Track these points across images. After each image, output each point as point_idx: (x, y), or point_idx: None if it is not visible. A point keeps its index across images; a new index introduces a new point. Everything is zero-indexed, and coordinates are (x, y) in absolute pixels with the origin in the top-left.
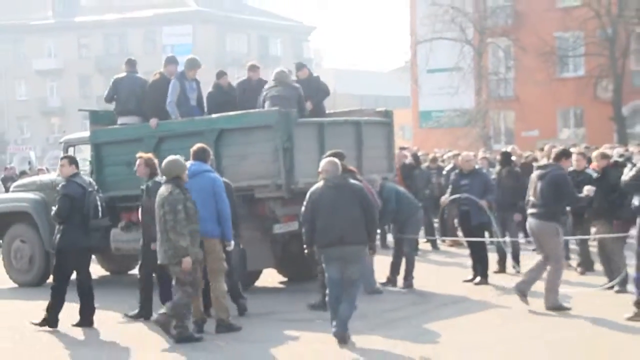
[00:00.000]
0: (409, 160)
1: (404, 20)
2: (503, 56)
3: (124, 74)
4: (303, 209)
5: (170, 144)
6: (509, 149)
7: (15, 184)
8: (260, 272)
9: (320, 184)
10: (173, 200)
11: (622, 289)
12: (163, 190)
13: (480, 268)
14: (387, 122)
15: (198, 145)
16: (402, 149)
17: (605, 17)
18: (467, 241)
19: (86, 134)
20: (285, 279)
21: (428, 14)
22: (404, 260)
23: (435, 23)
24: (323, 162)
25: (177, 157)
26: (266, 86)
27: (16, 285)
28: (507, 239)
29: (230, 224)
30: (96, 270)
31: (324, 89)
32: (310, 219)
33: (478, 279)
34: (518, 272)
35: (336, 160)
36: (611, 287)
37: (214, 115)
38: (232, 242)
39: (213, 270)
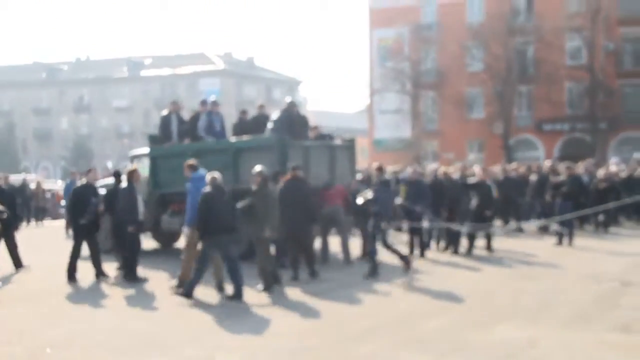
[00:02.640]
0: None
1: (365, 77)
2: (431, 103)
3: (167, 111)
4: (201, 208)
5: (203, 158)
6: (434, 166)
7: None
8: None
9: (208, 188)
10: None
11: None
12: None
13: (418, 247)
14: (351, 146)
15: (193, 161)
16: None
17: (497, 79)
18: (409, 228)
19: (146, 150)
20: None
21: (381, 73)
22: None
23: (385, 80)
24: (210, 177)
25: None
26: (276, 111)
27: None
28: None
29: None
30: (151, 244)
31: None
32: (207, 214)
33: (415, 253)
34: (439, 249)
35: (215, 175)
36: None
37: (232, 138)
38: None
39: None
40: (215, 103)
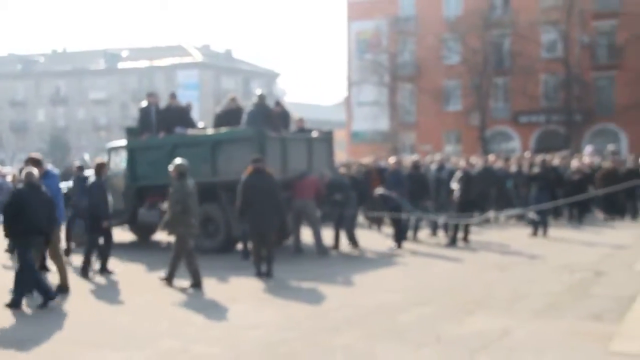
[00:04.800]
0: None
1: (343, 69)
2: (408, 95)
3: (145, 102)
4: (13, 209)
5: (182, 150)
6: (414, 157)
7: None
8: None
9: (21, 187)
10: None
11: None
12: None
13: (396, 237)
14: (329, 139)
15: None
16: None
17: (474, 71)
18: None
19: (124, 142)
20: None
21: (359, 65)
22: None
23: (363, 72)
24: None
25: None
26: (249, 104)
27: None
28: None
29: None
30: (128, 236)
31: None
32: (18, 215)
33: (394, 244)
34: (415, 239)
35: (31, 170)
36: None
37: (209, 131)
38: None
39: None
40: (234, 100)
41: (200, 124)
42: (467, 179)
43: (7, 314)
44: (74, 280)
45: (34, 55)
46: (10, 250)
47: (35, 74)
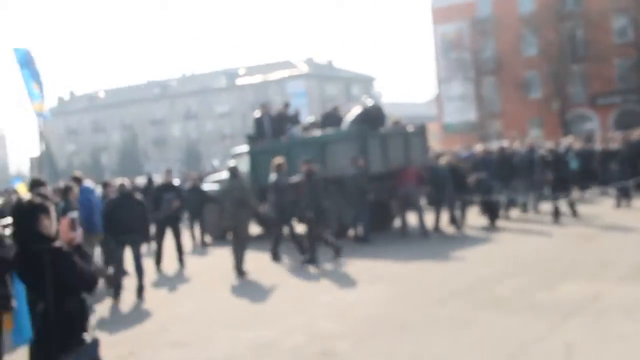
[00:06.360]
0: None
1: (431, 68)
2: (492, 87)
3: (259, 112)
4: (106, 210)
5: (295, 151)
6: (503, 144)
7: (207, 178)
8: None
9: (115, 195)
10: None
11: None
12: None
13: (490, 216)
14: (423, 132)
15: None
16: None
17: (551, 61)
18: (481, 201)
19: (246, 148)
20: None
21: (445, 64)
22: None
23: (449, 70)
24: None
25: None
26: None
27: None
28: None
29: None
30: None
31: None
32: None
33: (488, 222)
34: (507, 218)
35: (124, 182)
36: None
37: (317, 132)
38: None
39: None
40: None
41: (311, 118)
42: (558, 160)
43: (155, 299)
44: (205, 270)
45: (167, 80)
46: None
47: (169, 95)
